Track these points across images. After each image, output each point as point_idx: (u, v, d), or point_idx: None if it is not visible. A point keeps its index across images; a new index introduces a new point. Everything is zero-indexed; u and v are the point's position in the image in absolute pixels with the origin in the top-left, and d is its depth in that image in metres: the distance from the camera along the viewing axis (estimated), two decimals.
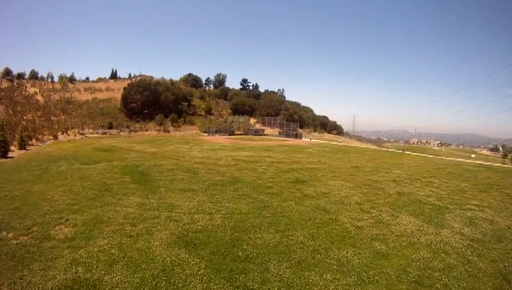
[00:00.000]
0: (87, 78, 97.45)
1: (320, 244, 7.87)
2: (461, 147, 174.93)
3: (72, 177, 14.96)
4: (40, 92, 69.19)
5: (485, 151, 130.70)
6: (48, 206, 10.33)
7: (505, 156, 61.74)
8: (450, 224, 10.13)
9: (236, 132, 70.04)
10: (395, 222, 10.00)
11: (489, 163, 36.83)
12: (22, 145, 32.69)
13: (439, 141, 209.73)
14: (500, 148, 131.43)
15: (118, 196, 11.85)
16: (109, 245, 7.38)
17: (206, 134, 64.21)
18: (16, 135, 36.46)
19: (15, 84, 70.94)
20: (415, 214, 11.06)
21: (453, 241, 8.61)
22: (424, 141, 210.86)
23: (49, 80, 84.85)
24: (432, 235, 9.03)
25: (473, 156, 54.17)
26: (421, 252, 7.75)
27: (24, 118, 50.00)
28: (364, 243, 8.10)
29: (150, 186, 13.54)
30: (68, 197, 11.40)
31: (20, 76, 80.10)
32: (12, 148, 30.45)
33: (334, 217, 10.05)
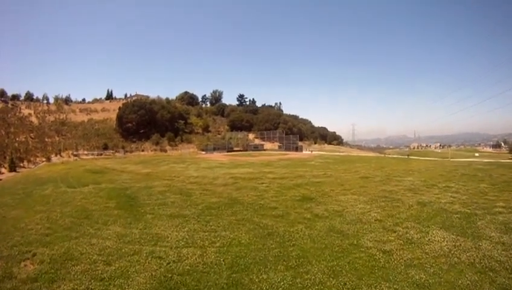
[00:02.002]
0: (84, 100, 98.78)
1: (345, 282, 6.05)
2: (462, 147, 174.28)
3: (53, 202, 13.97)
4: (34, 113, 69.64)
5: (487, 149, 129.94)
6: (19, 236, 9.36)
7: (511, 150, 61.22)
8: (486, 233, 8.67)
9: (235, 148, 68.86)
10: (427, 239, 8.32)
11: (496, 160, 36.29)
12: (12, 167, 32.93)
13: (439, 143, 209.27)
14: (503, 144, 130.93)
15: (97, 224, 10.37)
16: None
17: (204, 152, 63.01)
18: (7, 157, 35.98)
19: (9, 105, 71.49)
20: (445, 226, 9.42)
21: (496, 255, 7.14)
22: (424, 145, 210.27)
23: (45, 101, 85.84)
24: (472, 250, 7.46)
25: (476, 154, 53.21)
26: (467, 275, 6.20)
27: (17, 139, 49.53)
28: (399, 274, 6.36)
29: (135, 212, 12.00)
30: (43, 226, 10.24)
31: (15, 97, 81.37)
32: (2, 170, 30.71)
33: (355, 242, 8.21)
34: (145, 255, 7.68)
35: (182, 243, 8.52)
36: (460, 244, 7.85)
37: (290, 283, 6.13)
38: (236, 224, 10.15)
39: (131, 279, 6.44)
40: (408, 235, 8.68)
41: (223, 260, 7.29)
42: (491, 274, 6.25)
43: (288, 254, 7.52)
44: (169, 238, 8.88)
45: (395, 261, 6.93)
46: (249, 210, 11.93)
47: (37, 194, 16.32)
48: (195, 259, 7.40)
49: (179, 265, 7.08)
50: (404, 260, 6.98)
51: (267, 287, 6.00)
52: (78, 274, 6.65)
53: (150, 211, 12.06)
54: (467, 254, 7.23)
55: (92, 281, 6.35)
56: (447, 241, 8.08)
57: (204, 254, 7.68)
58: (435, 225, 9.59)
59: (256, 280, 6.31)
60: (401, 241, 8.17)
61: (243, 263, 7.14)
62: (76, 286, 6.13)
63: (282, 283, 6.12)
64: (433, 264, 6.74)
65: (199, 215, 11.36)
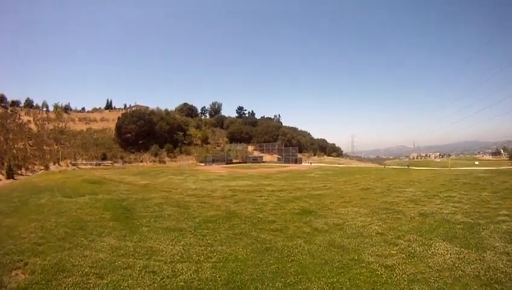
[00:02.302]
0: (83, 109, 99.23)
1: None
2: (461, 155, 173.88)
3: (49, 212, 13.90)
4: (33, 120, 69.67)
5: (487, 156, 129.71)
6: (12, 244, 9.29)
7: (511, 157, 61.10)
8: (490, 244, 8.45)
9: (234, 160, 68.64)
10: (430, 252, 8.04)
11: (496, 167, 36.22)
12: (10, 175, 32.57)
13: (438, 153, 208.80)
14: (502, 151, 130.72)
15: (91, 236, 10.15)
16: None
17: (203, 164, 62.72)
18: (5, 164, 35.81)
19: (9, 111, 71.31)
20: (448, 238, 9.16)
21: (501, 266, 6.93)
22: (424, 155, 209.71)
23: (44, 109, 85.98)
24: (477, 262, 7.22)
25: (476, 163, 52.98)
26: (472, 289, 5.99)
27: (15, 146, 49.24)
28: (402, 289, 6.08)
29: (130, 224, 11.74)
30: (37, 235, 10.10)
31: (15, 103, 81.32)
32: None
33: (355, 257, 7.89)
34: (138, 269, 7.40)
35: (177, 257, 8.23)
36: (464, 256, 7.61)
37: None
38: (233, 238, 9.86)
39: None
40: (410, 248, 8.40)
41: (219, 276, 6.98)
42: (497, 286, 6.05)
43: (286, 270, 7.21)
44: (164, 252, 8.59)
45: (398, 277, 6.65)
46: (247, 224, 11.63)
47: (32, 202, 16.19)
48: (190, 275, 7.09)
49: (173, 281, 6.79)
50: (407, 275, 6.70)
51: None
52: (70, 287, 6.45)
53: (146, 224, 11.78)
54: (472, 267, 6.98)
55: None
56: (450, 254, 7.82)
57: (200, 270, 7.37)
58: (438, 236, 9.33)
59: None
60: (404, 255, 7.89)
61: (239, 279, 6.83)
62: None
63: None
64: (437, 279, 6.48)
65: (196, 228, 11.07)
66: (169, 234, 10.40)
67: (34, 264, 7.63)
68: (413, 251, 8.20)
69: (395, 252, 8.17)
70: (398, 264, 7.31)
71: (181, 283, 6.67)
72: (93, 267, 7.51)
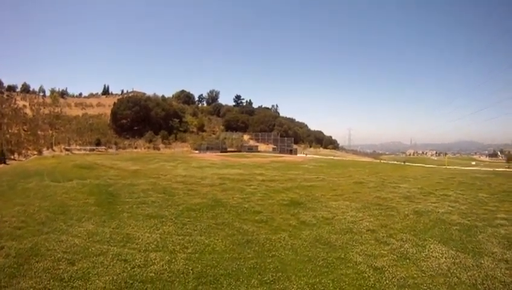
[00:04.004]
0: (80, 94, 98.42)
1: None
2: (458, 155, 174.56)
3: (34, 196, 13.52)
4: (29, 105, 68.71)
5: (484, 158, 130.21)
6: None
7: (509, 160, 60.93)
8: (487, 249, 7.83)
9: (229, 149, 68.10)
10: (423, 254, 7.42)
11: (493, 169, 35.72)
12: (2, 159, 32.84)
13: (435, 151, 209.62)
14: (499, 153, 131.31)
15: (71, 221, 9.79)
16: None
17: (197, 151, 62.20)
18: None
19: (5, 96, 70.83)
20: (443, 240, 8.54)
21: (499, 275, 6.32)
22: (420, 152, 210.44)
23: (41, 93, 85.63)
24: (473, 269, 6.61)
25: (473, 163, 52.78)
26: None
27: (9, 131, 48.71)
28: None
29: (112, 210, 11.29)
30: (18, 219, 9.81)
31: (11, 88, 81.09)
32: None
33: (342, 255, 7.26)
34: (111, 256, 7.03)
35: (152, 246, 7.77)
36: (461, 261, 7.01)
37: None
38: (214, 228, 9.28)
39: (90, 282, 5.83)
40: (403, 249, 7.80)
41: (192, 269, 6.44)
42: None
43: (265, 267, 6.61)
44: (140, 240, 8.15)
45: (387, 281, 6.03)
46: (231, 213, 11.05)
47: (20, 187, 15.87)
48: (162, 265, 6.62)
49: (144, 271, 6.34)
50: (397, 279, 6.10)
51: None
52: (40, 272, 6.22)
53: (128, 210, 11.31)
54: (468, 274, 6.39)
55: (51, 280, 5.87)
56: (445, 258, 7.23)
57: (173, 260, 6.88)
58: (433, 237, 8.75)
59: None
60: (395, 256, 7.29)
61: (213, 273, 6.27)
62: (35, 284, 5.69)
63: None
64: (430, 285, 5.88)
65: (177, 216, 10.53)
66: (149, 221, 9.95)
67: (10, 248, 7.43)
68: (405, 252, 7.61)
69: (385, 252, 7.57)
70: (388, 266, 6.70)
71: (151, 274, 6.20)
72: (67, 252, 7.26)
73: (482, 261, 7.01)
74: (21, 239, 8.04)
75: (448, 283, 5.99)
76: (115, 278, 5.97)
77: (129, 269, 6.40)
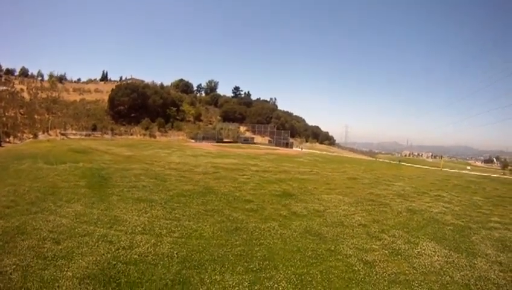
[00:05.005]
0: (79, 80, 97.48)
1: None
2: (453, 159, 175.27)
3: (26, 177, 13.31)
4: (27, 89, 67.97)
5: (479, 163, 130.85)
6: None
7: (504, 167, 61.18)
8: (481, 250, 7.72)
9: (225, 140, 67.75)
10: (416, 251, 7.28)
11: (488, 174, 35.89)
12: None
13: (431, 153, 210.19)
14: (495, 159, 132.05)
15: (60, 201, 9.65)
16: (14, 267, 5.43)
17: (193, 140, 61.86)
18: None
19: (3, 79, 70.24)
20: (437, 238, 8.41)
21: (493, 276, 6.22)
22: (416, 153, 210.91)
23: (39, 78, 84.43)
24: (467, 269, 6.49)
25: (468, 168, 52.85)
26: None
27: (6, 114, 48.31)
28: None
29: (102, 193, 11.10)
30: (8, 199, 9.69)
31: (9, 72, 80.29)
32: None
33: (332, 247, 7.08)
34: (96, 237, 6.91)
35: (139, 229, 7.61)
36: (454, 261, 6.87)
37: (247, 289, 5.05)
38: (203, 214, 9.08)
39: (73, 261, 5.72)
40: (395, 245, 7.63)
41: (177, 253, 6.28)
42: None
43: (252, 255, 6.43)
44: (127, 223, 8.00)
45: (377, 275, 5.86)
46: (222, 201, 10.85)
47: (12, 168, 15.62)
48: (147, 248, 6.47)
49: (128, 253, 6.20)
50: (388, 274, 5.92)
51: None
52: (24, 250, 6.17)
53: (118, 193, 11.16)
54: (461, 273, 6.25)
55: (35, 258, 5.81)
56: (438, 256, 7.08)
57: (159, 244, 6.73)
58: (425, 235, 8.60)
59: (208, 281, 5.27)
60: (386, 252, 7.11)
61: (198, 258, 6.10)
62: (18, 262, 5.62)
63: (236, 288, 5.07)
64: (422, 283, 5.72)
65: (167, 201, 10.36)
66: (139, 204, 9.78)
67: None
68: (397, 248, 7.44)
69: (377, 247, 7.39)
70: (380, 261, 6.52)
71: (135, 256, 6.06)
72: (53, 232, 7.15)
73: (476, 262, 6.88)
74: (8, 218, 7.91)
75: (441, 281, 5.84)
76: (98, 258, 5.84)
77: (113, 250, 6.27)
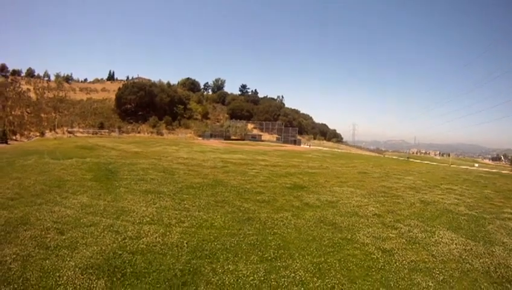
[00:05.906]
0: (85, 80, 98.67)
1: (333, 285, 4.73)
2: (461, 156, 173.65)
3: (32, 171, 13.20)
4: (34, 89, 68.82)
5: (487, 161, 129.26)
6: None
7: None
8: (498, 239, 7.54)
9: (233, 137, 67.70)
10: (433, 240, 7.08)
11: (497, 171, 35.78)
12: (4, 139, 33.12)
13: (438, 151, 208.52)
14: (502, 157, 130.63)
15: (66, 194, 9.55)
16: (14, 257, 5.22)
17: (200, 138, 61.97)
18: None
19: (9, 80, 71.05)
20: (452, 227, 8.23)
21: None
22: (424, 151, 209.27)
23: (46, 78, 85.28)
24: (485, 256, 6.30)
25: (476, 165, 52.22)
26: (482, 286, 5.05)
27: (12, 113, 48.81)
28: (402, 279, 5.08)
29: (109, 185, 10.98)
30: (12, 191, 9.55)
31: (16, 72, 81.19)
32: None
33: (349, 236, 6.88)
34: (102, 227, 6.71)
35: (147, 219, 7.42)
36: (472, 249, 6.68)
37: (262, 278, 4.84)
38: (213, 205, 8.92)
39: (77, 251, 5.52)
40: (411, 233, 7.43)
41: (187, 243, 6.07)
42: (509, 286, 5.16)
43: (266, 243, 6.22)
44: (134, 213, 7.81)
45: (397, 263, 5.65)
46: (232, 193, 10.68)
47: (18, 163, 15.57)
48: (155, 238, 6.26)
49: (135, 242, 5.99)
50: (408, 262, 5.71)
51: (232, 280, 4.72)
52: (26, 240, 5.95)
53: (125, 185, 11.03)
54: (480, 261, 6.06)
55: (37, 248, 5.60)
56: (456, 244, 6.88)
57: (168, 233, 6.53)
58: (441, 225, 8.41)
59: (220, 271, 5.04)
60: (404, 240, 6.90)
61: (209, 248, 5.89)
62: (19, 251, 5.42)
63: (251, 278, 4.84)
64: (443, 270, 5.52)
65: (176, 193, 10.22)
66: (147, 196, 9.63)
67: (0, 217, 7.15)
68: (414, 236, 7.25)
69: (393, 235, 7.19)
70: (398, 249, 6.32)
71: (142, 246, 5.85)
72: (57, 222, 6.96)
73: (494, 250, 6.70)
74: (12, 209, 7.75)
75: (461, 268, 5.64)
76: (103, 248, 5.63)
77: (120, 240, 6.07)
